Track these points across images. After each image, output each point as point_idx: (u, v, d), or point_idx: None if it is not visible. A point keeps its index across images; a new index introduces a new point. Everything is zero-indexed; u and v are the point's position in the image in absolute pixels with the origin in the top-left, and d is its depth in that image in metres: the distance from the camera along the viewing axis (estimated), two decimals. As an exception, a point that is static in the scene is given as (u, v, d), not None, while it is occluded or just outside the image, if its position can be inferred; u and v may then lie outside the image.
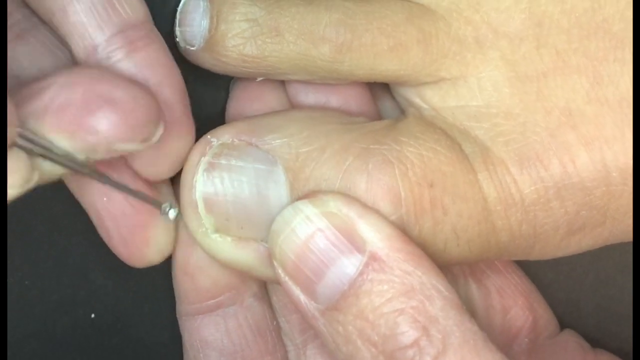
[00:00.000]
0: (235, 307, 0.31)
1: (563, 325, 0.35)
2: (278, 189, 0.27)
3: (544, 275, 0.34)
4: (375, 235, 0.26)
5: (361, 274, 0.25)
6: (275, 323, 0.32)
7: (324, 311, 0.26)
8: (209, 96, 0.31)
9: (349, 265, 0.25)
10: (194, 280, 0.30)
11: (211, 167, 0.28)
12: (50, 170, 0.25)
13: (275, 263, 0.27)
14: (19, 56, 0.28)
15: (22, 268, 0.32)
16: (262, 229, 0.27)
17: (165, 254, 0.30)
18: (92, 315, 0.33)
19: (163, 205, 0.29)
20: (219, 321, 0.31)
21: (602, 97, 0.28)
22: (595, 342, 0.34)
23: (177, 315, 0.31)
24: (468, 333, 0.25)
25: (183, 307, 0.31)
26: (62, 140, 0.25)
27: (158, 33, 0.28)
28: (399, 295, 0.25)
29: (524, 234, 0.28)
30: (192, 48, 0.29)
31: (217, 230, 0.28)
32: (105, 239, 0.29)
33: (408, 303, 0.25)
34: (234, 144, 0.28)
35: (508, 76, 0.28)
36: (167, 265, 0.30)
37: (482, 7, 0.28)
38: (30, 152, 0.25)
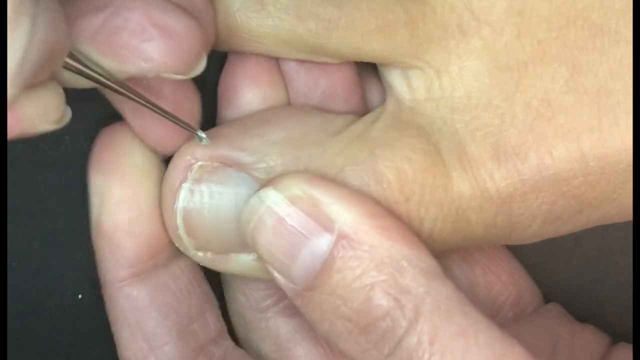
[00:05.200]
0: (163, 268, 0.30)
1: (546, 306, 0.35)
2: None
3: (528, 257, 0.35)
4: (343, 214, 0.26)
5: (331, 253, 0.25)
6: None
7: (301, 292, 0.26)
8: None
9: (319, 246, 0.26)
10: (111, 247, 0.29)
11: (191, 194, 0.28)
12: (79, 82, 0.25)
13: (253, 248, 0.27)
14: None
15: (8, 250, 0.33)
16: (240, 244, 0.28)
17: None
18: (79, 296, 0.34)
19: (198, 132, 0.28)
20: (146, 285, 0.30)
21: (581, 86, 0.28)
22: (577, 323, 0.34)
23: (102, 286, 0.30)
24: (440, 299, 0.25)
25: (106, 276, 0.30)
26: (109, 63, 0.25)
27: None
28: (369, 270, 0.25)
29: (499, 225, 0.28)
30: None
31: (197, 249, 0.29)
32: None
33: (378, 277, 0.25)
34: (213, 166, 0.28)
35: (489, 66, 0.28)
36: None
37: None
38: (76, 72, 0.24)
